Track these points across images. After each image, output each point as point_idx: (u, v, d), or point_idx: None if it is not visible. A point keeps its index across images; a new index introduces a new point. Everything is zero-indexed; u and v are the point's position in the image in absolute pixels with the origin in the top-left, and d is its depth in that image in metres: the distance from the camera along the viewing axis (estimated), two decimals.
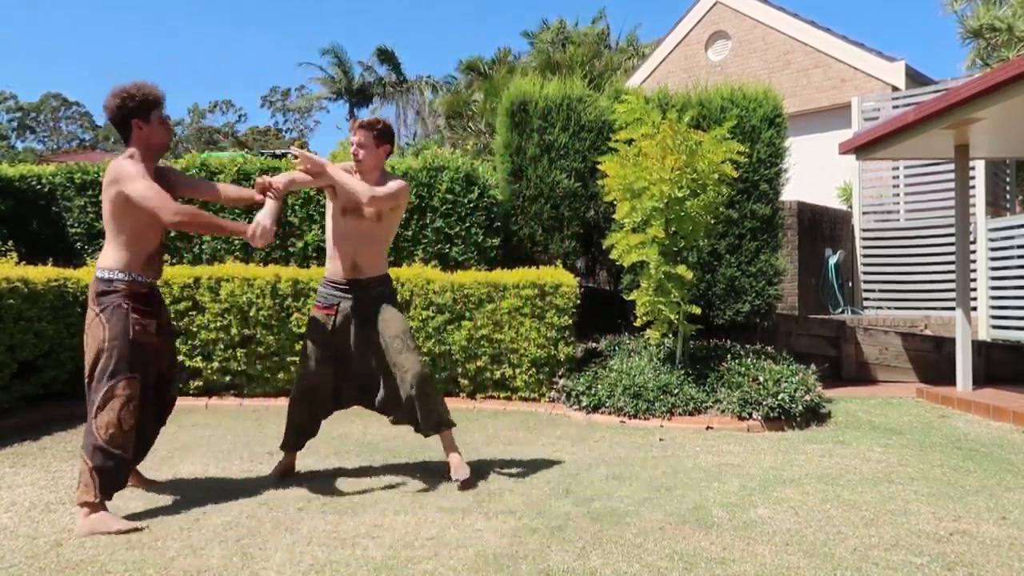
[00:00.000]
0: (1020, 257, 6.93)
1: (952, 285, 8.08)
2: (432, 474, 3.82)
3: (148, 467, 3.88)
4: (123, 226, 3.18)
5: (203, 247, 6.76)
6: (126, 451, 3.05)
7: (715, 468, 3.99)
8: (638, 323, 5.63)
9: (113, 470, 3.00)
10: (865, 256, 9.77)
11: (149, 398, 3.27)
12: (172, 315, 5.71)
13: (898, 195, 9.80)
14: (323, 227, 6.74)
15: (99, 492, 2.95)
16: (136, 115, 3.18)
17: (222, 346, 5.79)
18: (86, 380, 3.09)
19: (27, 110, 49.23)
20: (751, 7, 13.26)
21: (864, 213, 9.85)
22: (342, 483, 3.60)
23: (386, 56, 28.50)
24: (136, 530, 2.90)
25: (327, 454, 4.20)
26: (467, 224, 6.70)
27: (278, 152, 16.41)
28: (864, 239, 9.78)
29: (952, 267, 8.16)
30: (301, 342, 3.80)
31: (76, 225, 6.83)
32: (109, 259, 3.18)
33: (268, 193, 3.33)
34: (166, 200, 3.10)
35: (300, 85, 41.46)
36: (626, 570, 2.58)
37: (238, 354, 5.79)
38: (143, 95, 3.18)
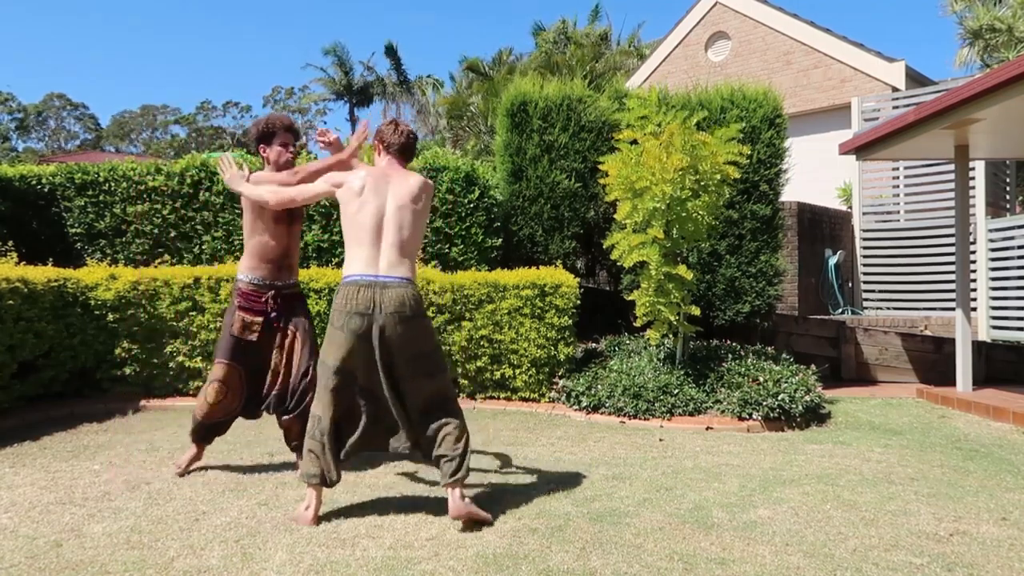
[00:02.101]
0: (1020, 257, 6.93)
1: (952, 285, 8.08)
2: (432, 474, 3.81)
3: (148, 466, 3.88)
4: (250, 231, 3.72)
5: (203, 247, 6.76)
6: (208, 419, 3.72)
7: (715, 468, 3.99)
8: (638, 323, 5.63)
9: (196, 429, 3.79)
10: (865, 256, 9.77)
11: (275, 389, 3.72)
12: (173, 315, 5.74)
13: (898, 195, 9.80)
14: (323, 227, 6.74)
15: (194, 438, 3.81)
16: (262, 141, 3.79)
17: None
18: None
19: (30, 111, 49.23)
20: (751, 7, 13.26)
21: (864, 213, 9.85)
22: (342, 483, 3.59)
23: (391, 53, 28.49)
24: (197, 469, 3.78)
25: None
26: (467, 224, 6.70)
27: None
28: (864, 239, 9.78)
29: (952, 267, 8.16)
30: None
31: (76, 225, 6.83)
32: (240, 262, 3.77)
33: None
34: (273, 189, 3.58)
35: (304, 85, 41.41)
36: (626, 570, 2.58)
37: None
38: (265, 125, 3.79)
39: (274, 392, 3.70)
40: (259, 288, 3.67)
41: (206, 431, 3.79)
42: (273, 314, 3.67)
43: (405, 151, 3.41)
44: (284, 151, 3.77)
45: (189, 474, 3.76)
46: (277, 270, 3.71)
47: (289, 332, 3.72)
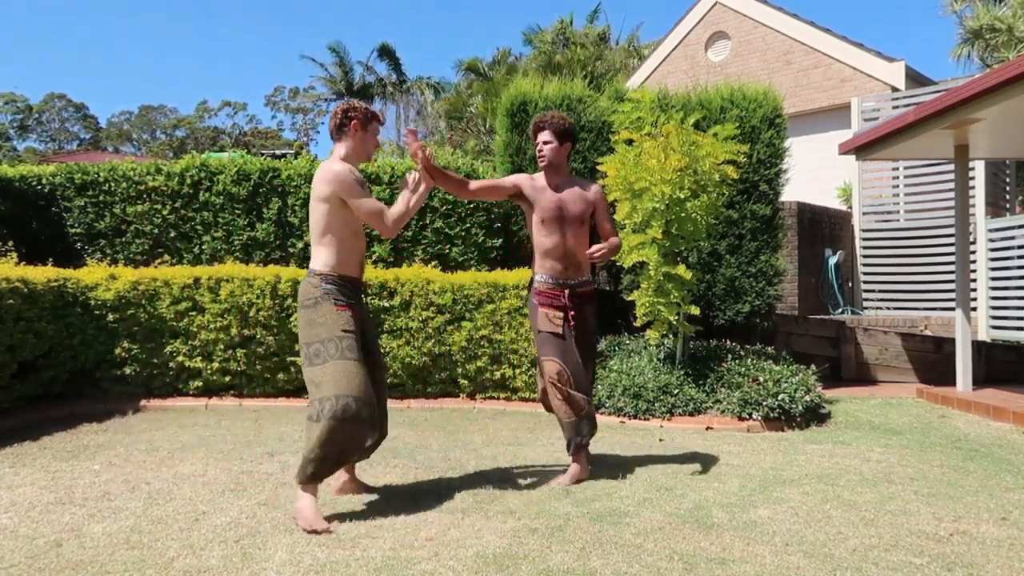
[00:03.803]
0: (1020, 257, 6.93)
1: (952, 285, 8.08)
2: (432, 474, 3.82)
3: (148, 466, 3.88)
4: (532, 235, 3.81)
5: (203, 247, 6.76)
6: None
7: (715, 468, 3.99)
8: (638, 323, 5.62)
9: (577, 433, 3.72)
10: (865, 256, 9.77)
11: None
12: (173, 315, 5.74)
13: (898, 195, 9.80)
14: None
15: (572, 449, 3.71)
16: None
17: (222, 346, 5.79)
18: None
19: (31, 110, 49.25)
20: (751, 7, 13.26)
21: (864, 213, 9.85)
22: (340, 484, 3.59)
23: (387, 54, 28.48)
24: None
25: None
26: (467, 225, 6.70)
27: (278, 152, 16.42)
28: (864, 239, 9.78)
29: (952, 267, 8.16)
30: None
31: (76, 225, 6.83)
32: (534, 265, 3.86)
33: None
34: None
35: (308, 86, 41.38)
36: (626, 570, 2.58)
37: (238, 354, 5.79)
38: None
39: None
40: (553, 287, 3.71)
41: (580, 422, 3.69)
42: (571, 311, 3.70)
43: (332, 132, 3.41)
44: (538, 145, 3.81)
45: (183, 475, 3.75)
46: (564, 269, 3.72)
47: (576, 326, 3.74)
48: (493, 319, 5.80)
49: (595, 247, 3.69)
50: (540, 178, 3.79)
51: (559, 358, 3.63)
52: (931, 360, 7.28)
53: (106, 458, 4.05)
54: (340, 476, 3.44)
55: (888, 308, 9.42)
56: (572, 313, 3.69)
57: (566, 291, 3.70)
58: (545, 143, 3.75)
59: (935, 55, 66.82)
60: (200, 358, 5.79)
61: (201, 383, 5.82)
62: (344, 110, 3.38)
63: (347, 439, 3.06)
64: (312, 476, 3.03)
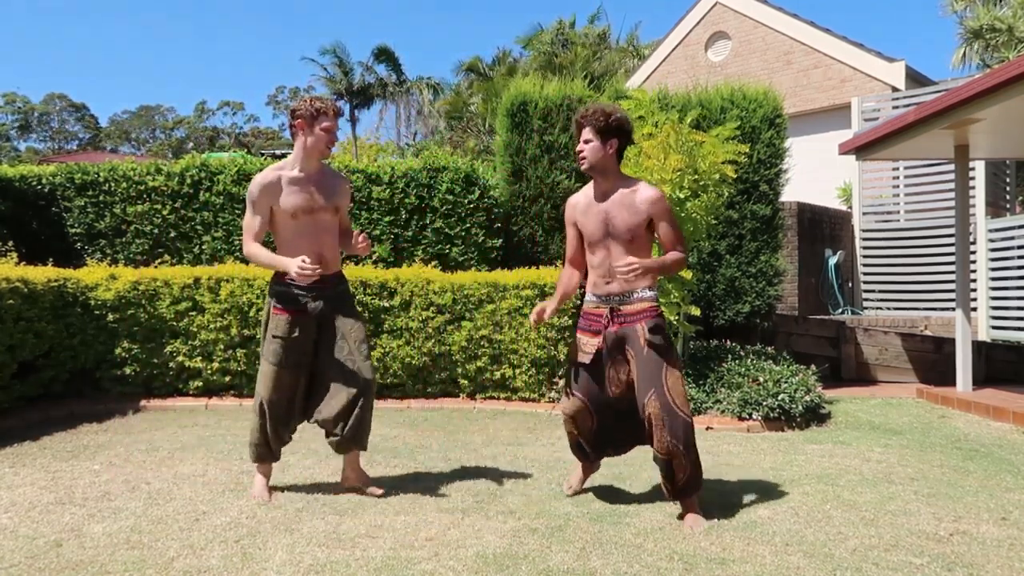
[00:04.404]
0: (1020, 257, 6.93)
1: (952, 285, 8.08)
2: (432, 474, 3.82)
3: (148, 466, 3.88)
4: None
5: (203, 247, 6.76)
6: (571, 438, 3.48)
7: (715, 468, 3.99)
8: None
9: (570, 445, 3.57)
10: (865, 256, 9.77)
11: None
12: (173, 315, 5.74)
13: (898, 195, 9.80)
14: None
15: (576, 455, 3.57)
16: None
17: (222, 346, 5.79)
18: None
19: (31, 111, 49.24)
20: (751, 7, 13.26)
21: (864, 213, 9.85)
22: (341, 483, 3.59)
23: (385, 55, 28.47)
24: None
25: (327, 454, 4.19)
26: (467, 225, 6.69)
27: (278, 152, 16.41)
28: (864, 239, 9.78)
29: (952, 267, 8.16)
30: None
31: (76, 225, 6.83)
32: None
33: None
34: None
35: (308, 86, 41.37)
36: (626, 570, 2.58)
37: (238, 354, 5.79)
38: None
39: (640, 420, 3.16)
40: (596, 305, 3.23)
41: (579, 449, 3.50)
42: (611, 331, 3.17)
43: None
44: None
45: (179, 475, 3.76)
46: (607, 283, 3.21)
47: (628, 353, 3.17)
48: (493, 319, 5.80)
49: (625, 261, 3.06)
50: (588, 192, 3.29)
51: (582, 393, 3.29)
52: (931, 360, 7.28)
53: (106, 458, 4.05)
54: (347, 472, 3.52)
55: (888, 308, 9.42)
56: (614, 329, 3.17)
57: (608, 308, 3.19)
58: (586, 142, 3.19)
59: (935, 55, 66.89)
60: (200, 358, 5.79)
61: (201, 383, 5.82)
62: (292, 112, 3.42)
63: (270, 429, 3.39)
64: (255, 458, 3.45)
